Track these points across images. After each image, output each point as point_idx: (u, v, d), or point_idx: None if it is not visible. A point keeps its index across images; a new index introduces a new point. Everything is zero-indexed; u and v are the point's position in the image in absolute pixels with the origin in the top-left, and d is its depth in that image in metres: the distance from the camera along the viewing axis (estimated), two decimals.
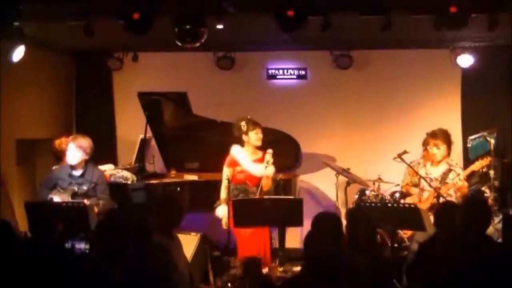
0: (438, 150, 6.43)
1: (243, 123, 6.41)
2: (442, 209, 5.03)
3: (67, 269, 3.49)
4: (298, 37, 7.21)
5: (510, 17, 5.95)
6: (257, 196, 6.20)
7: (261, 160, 6.39)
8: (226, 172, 6.39)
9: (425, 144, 6.74)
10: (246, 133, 6.40)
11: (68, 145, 6.28)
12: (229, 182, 6.27)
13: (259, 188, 6.23)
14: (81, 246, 5.48)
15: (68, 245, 5.26)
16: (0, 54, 7.09)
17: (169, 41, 6.26)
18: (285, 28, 5.99)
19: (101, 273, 3.58)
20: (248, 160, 6.39)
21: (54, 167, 6.62)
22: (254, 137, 6.39)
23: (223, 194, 6.38)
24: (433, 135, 6.49)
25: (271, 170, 6.31)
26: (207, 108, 7.82)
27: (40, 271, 3.40)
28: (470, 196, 6.55)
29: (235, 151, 6.43)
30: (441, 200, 6.09)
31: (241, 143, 6.43)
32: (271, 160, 6.26)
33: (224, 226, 6.34)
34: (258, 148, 6.48)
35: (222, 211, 6.38)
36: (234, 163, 6.41)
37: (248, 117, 6.46)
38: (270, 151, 6.30)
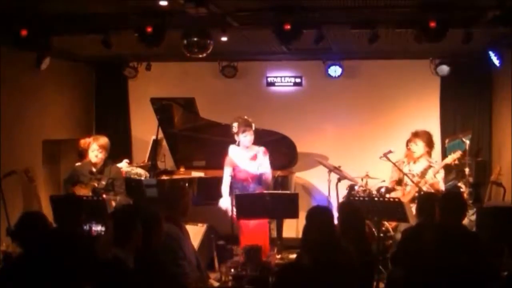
0: (416, 146, 6.48)
1: (234, 125, 6.35)
2: (423, 198, 5.06)
3: (87, 256, 3.47)
4: (295, 48, 7.20)
5: (483, 31, 5.97)
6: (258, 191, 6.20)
7: (255, 157, 6.35)
8: (226, 171, 6.37)
9: (408, 143, 6.77)
10: (237, 134, 6.36)
11: (91, 146, 6.27)
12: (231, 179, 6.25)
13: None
14: (98, 228, 5.44)
15: (86, 227, 5.25)
16: (30, 64, 7.10)
17: (178, 52, 6.25)
18: (282, 40, 5.98)
19: (117, 259, 3.58)
20: (244, 160, 6.35)
21: (77, 164, 6.61)
22: (243, 139, 6.32)
23: (224, 191, 6.38)
24: (415, 133, 6.59)
25: (264, 169, 6.25)
26: (213, 112, 7.82)
27: (64, 257, 3.38)
28: (447, 190, 6.57)
29: (232, 152, 6.39)
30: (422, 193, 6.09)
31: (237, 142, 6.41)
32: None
33: (230, 213, 6.31)
34: (254, 143, 6.42)
35: (225, 202, 6.37)
36: (232, 163, 6.38)
37: (242, 117, 6.36)
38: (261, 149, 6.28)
